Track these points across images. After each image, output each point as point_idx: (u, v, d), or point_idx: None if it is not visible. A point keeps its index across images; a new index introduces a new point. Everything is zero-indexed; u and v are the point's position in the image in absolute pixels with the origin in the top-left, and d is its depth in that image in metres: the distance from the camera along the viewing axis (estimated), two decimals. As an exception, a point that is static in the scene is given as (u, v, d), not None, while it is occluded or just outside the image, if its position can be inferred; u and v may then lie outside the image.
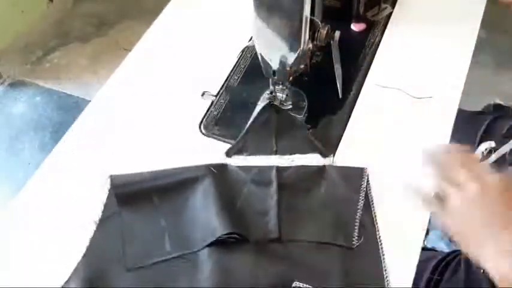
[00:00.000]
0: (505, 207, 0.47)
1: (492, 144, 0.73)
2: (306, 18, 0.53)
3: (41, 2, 1.87)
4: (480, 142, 0.77)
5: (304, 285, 0.49)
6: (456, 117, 0.65)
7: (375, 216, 0.56)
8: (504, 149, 0.71)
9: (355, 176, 0.59)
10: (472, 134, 0.80)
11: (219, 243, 0.52)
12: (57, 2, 1.91)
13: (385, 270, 0.52)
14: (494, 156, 0.72)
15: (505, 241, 0.46)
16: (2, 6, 1.71)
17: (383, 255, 0.53)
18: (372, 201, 0.57)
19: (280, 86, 0.63)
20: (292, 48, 0.55)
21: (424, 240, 0.54)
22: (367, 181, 0.58)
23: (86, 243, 0.53)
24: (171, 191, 0.57)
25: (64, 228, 0.56)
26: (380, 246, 0.53)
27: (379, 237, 0.54)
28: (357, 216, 0.55)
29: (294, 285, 0.50)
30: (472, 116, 0.84)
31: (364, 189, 0.58)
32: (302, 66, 0.64)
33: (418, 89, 0.67)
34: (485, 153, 0.74)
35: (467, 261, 0.70)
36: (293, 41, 0.54)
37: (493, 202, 0.47)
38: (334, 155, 0.61)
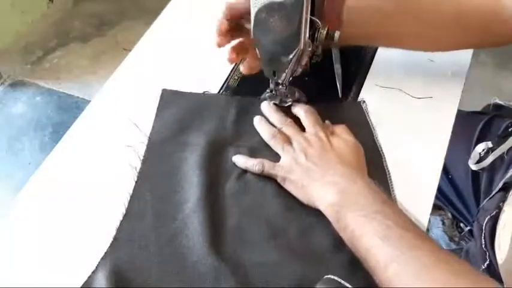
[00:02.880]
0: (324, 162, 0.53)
1: (489, 144, 0.73)
2: (306, 18, 0.53)
3: (41, 2, 1.87)
4: (477, 142, 0.77)
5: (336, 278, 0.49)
6: (453, 117, 0.65)
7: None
8: (501, 149, 0.71)
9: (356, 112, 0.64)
10: (468, 134, 0.80)
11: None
12: (57, 2, 1.91)
13: None
14: (491, 157, 0.72)
15: (329, 176, 0.51)
16: (2, 6, 1.72)
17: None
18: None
19: (280, 86, 0.63)
20: (292, 48, 0.55)
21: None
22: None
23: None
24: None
25: (64, 228, 0.56)
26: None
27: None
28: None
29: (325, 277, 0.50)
30: (468, 116, 0.84)
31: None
32: (302, 66, 0.64)
33: (418, 89, 0.67)
34: (482, 153, 0.74)
35: (468, 261, 0.70)
36: (293, 41, 0.54)
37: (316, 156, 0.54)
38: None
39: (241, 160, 0.57)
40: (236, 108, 0.64)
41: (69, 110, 1.63)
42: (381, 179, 0.56)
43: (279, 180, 0.55)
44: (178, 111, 0.64)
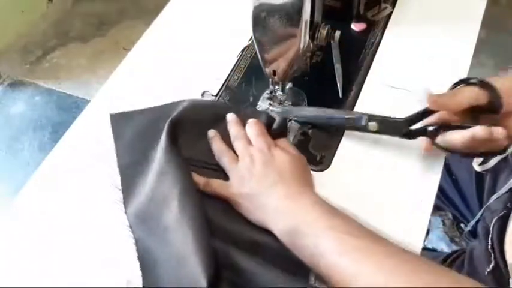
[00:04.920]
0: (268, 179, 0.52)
1: None
2: (306, 18, 0.53)
3: (40, 2, 1.87)
4: None
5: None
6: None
7: None
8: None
9: None
10: None
11: None
12: (56, 2, 1.91)
13: None
14: (495, 159, 0.72)
15: (274, 199, 0.50)
16: (1, 6, 1.71)
17: None
18: None
19: (280, 86, 0.63)
20: (292, 48, 0.55)
21: (424, 241, 0.54)
22: None
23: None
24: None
25: (64, 228, 0.56)
26: None
27: None
28: None
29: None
30: None
31: None
32: (302, 66, 0.64)
33: (418, 89, 0.67)
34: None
35: (472, 261, 0.70)
36: (293, 41, 0.54)
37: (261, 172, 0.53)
38: (334, 155, 0.61)
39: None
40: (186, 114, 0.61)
41: (68, 109, 1.63)
42: None
43: (229, 200, 0.54)
44: (134, 133, 0.61)
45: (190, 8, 0.80)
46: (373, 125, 0.58)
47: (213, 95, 0.68)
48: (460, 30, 0.74)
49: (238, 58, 0.72)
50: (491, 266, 0.64)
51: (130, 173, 0.58)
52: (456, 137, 0.52)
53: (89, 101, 0.68)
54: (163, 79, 0.70)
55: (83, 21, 1.90)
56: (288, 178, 0.52)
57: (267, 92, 0.66)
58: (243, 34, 0.74)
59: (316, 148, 0.62)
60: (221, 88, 0.69)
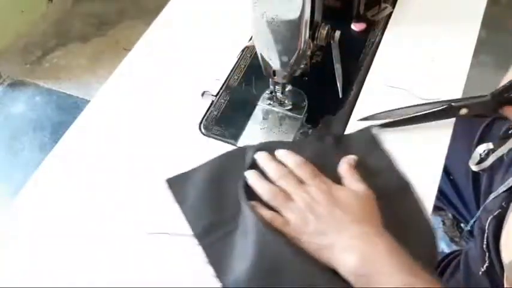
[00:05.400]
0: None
1: (490, 145, 0.73)
2: (306, 18, 0.53)
3: (40, 2, 1.87)
4: (478, 144, 0.77)
5: None
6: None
7: None
8: (502, 150, 0.71)
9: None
10: (469, 135, 0.80)
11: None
12: (56, 2, 1.91)
13: None
14: (492, 158, 0.72)
15: (345, 239, 0.48)
16: (1, 6, 1.71)
17: None
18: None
19: (280, 86, 0.63)
20: (292, 48, 0.55)
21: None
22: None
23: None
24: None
25: (64, 228, 0.56)
26: None
27: None
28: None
29: None
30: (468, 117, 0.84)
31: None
32: (302, 66, 0.64)
33: (418, 89, 0.67)
34: (483, 155, 0.74)
35: (468, 262, 0.70)
36: (293, 41, 0.54)
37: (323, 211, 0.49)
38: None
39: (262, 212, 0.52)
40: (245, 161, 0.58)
41: (68, 109, 1.63)
42: (413, 209, 0.54)
43: (292, 240, 0.50)
44: (197, 194, 0.56)
45: (190, 8, 0.80)
46: (463, 111, 0.59)
47: (213, 95, 0.68)
48: (460, 30, 0.74)
49: (238, 58, 0.72)
50: (485, 265, 0.64)
51: (210, 242, 0.53)
52: None
53: (89, 101, 0.68)
54: (163, 79, 0.70)
55: (83, 21, 1.90)
56: (359, 216, 0.49)
57: (267, 92, 0.66)
58: (243, 34, 0.74)
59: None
60: (221, 88, 0.69)
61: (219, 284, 0.50)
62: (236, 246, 0.52)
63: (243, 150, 0.59)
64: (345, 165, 0.55)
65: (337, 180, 0.54)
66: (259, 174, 0.55)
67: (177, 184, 0.57)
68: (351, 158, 0.56)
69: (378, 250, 0.46)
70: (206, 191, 0.56)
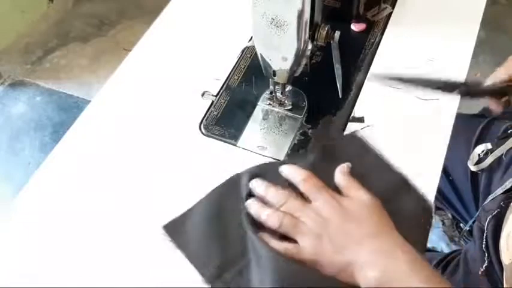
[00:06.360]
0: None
1: (488, 146, 0.73)
2: (306, 18, 0.53)
3: (41, 2, 1.87)
4: (476, 144, 0.77)
5: None
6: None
7: None
8: (500, 150, 0.71)
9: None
10: (468, 136, 0.80)
11: None
12: (57, 2, 1.91)
13: None
14: (490, 158, 0.72)
15: (365, 253, 0.46)
16: (2, 6, 1.71)
17: None
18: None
19: (280, 86, 0.63)
20: (292, 49, 0.55)
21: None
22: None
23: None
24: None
25: (64, 228, 0.56)
26: None
27: None
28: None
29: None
30: (467, 118, 0.84)
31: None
32: (302, 66, 0.64)
33: (417, 90, 0.67)
34: (481, 155, 0.74)
35: (467, 262, 0.70)
36: (293, 41, 0.54)
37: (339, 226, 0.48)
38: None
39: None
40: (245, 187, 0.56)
41: (69, 110, 1.63)
42: (416, 205, 0.54)
43: (309, 264, 0.48)
44: (197, 236, 0.54)
45: (191, 8, 0.80)
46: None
47: (213, 95, 0.68)
48: (460, 30, 0.74)
49: (238, 58, 0.72)
50: (484, 265, 0.64)
51: (225, 283, 0.51)
52: None
53: (90, 101, 0.69)
54: (164, 79, 0.70)
55: (84, 21, 1.90)
56: (374, 229, 0.48)
57: (267, 92, 0.67)
58: (243, 34, 0.74)
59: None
60: (221, 88, 0.69)
61: None
62: (254, 281, 0.50)
63: (235, 179, 0.56)
64: (340, 175, 0.54)
65: (337, 191, 0.53)
66: (260, 202, 0.52)
67: (175, 229, 0.54)
68: (344, 166, 0.55)
69: (399, 264, 0.45)
70: (207, 231, 0.53)
